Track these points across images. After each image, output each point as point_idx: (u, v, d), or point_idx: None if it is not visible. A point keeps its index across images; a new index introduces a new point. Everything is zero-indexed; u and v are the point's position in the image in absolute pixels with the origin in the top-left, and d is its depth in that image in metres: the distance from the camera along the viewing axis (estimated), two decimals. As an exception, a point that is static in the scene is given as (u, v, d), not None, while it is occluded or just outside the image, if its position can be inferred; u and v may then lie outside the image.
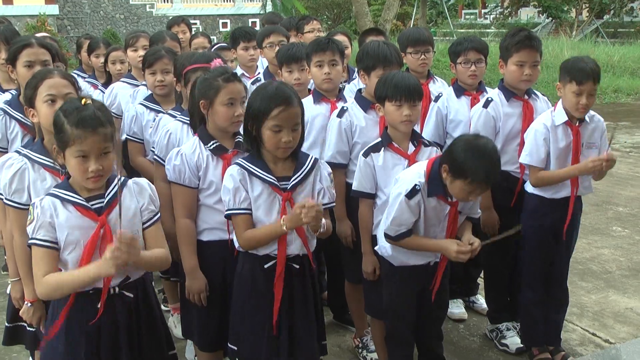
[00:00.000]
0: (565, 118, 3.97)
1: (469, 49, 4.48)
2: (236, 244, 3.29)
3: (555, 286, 4.23)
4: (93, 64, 6.28)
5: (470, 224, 3.63)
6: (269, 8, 33.29)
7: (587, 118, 4.02)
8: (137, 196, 2.91)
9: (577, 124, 3.99)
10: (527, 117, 4.20)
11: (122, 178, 2.86)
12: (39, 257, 2.73)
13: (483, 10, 41.59)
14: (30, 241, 2.75)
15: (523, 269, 4.26)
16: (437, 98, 4.59)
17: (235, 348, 3.35)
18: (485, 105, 4.20)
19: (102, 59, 6.04)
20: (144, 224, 2.91)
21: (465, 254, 3.36)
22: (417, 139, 3.75)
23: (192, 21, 8.73)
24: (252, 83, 4.85)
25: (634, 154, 10.52)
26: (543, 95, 4.46)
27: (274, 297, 3.23)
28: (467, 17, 42.65)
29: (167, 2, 36.82)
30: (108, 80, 5.79)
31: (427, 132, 4.51)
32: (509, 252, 4.38)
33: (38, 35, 4.68)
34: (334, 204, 3.45)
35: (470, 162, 3.20)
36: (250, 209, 3.20)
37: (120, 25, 32.50)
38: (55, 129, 2.75)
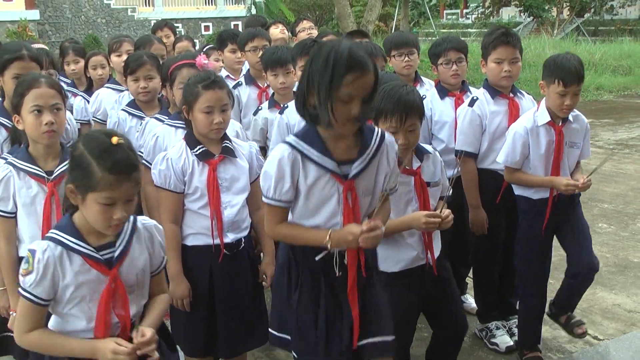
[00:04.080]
0: (548, 118, 3.95)
1: (449, 49, 4.48)
2: (266, 231, 2.96)
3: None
4: (66, 72, 6.14)
5: (443, 202, 3.39)
6: (254, 11, 33.25)
7: (570, 117, 4.01)
8: (147, 242, 2.67)
9: (560, 124, 3.98)
10: (513, 114, 4.21)
11: (131, 219, 2.63)
12: (27, 312, 2.48)
13: (465, 10, 41.72)
14: (22, 293, 2.47)
15: (522, 274, 4.24)
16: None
17: (289, 338, 3.01)
18: (471, 104, 4.21)
19: (72, 66, 5.98)
20: (152, 272, 2.72)
21: (434, 221, 3.22)
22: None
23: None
24: (234, 87, 4.84)
25: (618, 150, 10.57)
26: (528, 94, 4.48)
27: (321, 291, 2.87)
28: (449, 17, 42.80)
29: (149, 5, 36.65)
30: (89, 86, 5.74)
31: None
32: (497, 251, 4.39)
33: (35, 45, 4.62)
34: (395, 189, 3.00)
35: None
36: (291, 201, 2.79)
37: (101, 29, 32.35)
38: (78, 168, 2.44)
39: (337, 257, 2.83)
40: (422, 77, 4.99)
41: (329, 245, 2.71)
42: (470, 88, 4.67)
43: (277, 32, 6.24)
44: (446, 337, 3.68)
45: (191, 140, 3.43)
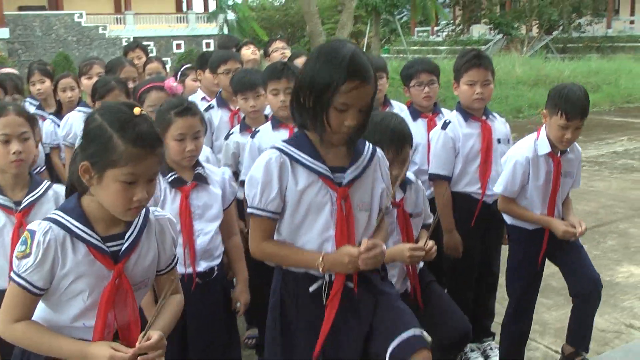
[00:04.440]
0: (549, 149, 3.92)
1: (420, 71, 4.49)
2: (250, 249, 2.74)
3: None
4: (32, 92, 6.03)
5: (426, 231, 3.42)
6: (227, 30, 33.28)
7: (568, 148, 3.99)
8: (158, 237, 2.45)
9: (558, 154, 3.96)
10: (486, 137, 4.21)
11: (144, 211, 2.40)
12: (17, 300, 2.22)
13: (435, 28, 42.14)
14: (15, 278, 2.21)
15: (515, 300, 4.21)
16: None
17: None
18: (444, 127, 4.21)
19: (38, 86, 5.89)
20: (160, 271, 2.50)
21: (419, 255, 3.21)
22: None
23: (145, 43, 8.68)
24: (205, 110, 4.81)
25: (588, 168, 10.67)
26: (501, 115, 4.50)
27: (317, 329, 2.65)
28: (420, 34, 43.20)
29: (120, 23, 36.60)
30: (59, 109, 5.65)
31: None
32: (472, 274, 4.38)
33: (3, 70, 4.53)
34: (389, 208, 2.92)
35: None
36: (279, 213, 2.60)
37: (72, 47, 32.20)
38: (96, 142, 2.20)
39: (326, 285, 2.64)
40: (391, 100, 4.97)
41: (320, 269, 2.54)
42: (443, 109, 4.68)
43: (248, 53, 6.23)
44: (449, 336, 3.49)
45: (163, 167, 3.39)
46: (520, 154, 3.96)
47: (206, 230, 3.40)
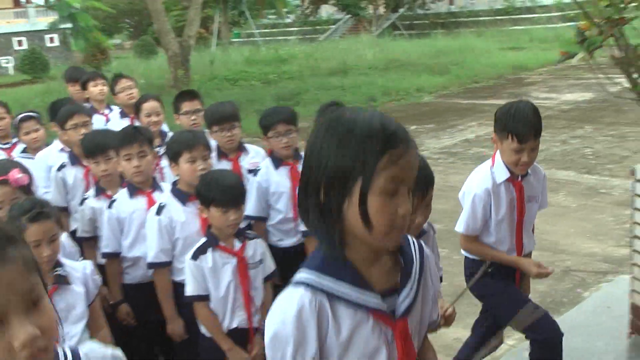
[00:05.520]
0: (507, 174, 3.63)
1: (277, 122, 4.38)
2: None
3: None
4: None
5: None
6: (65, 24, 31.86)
7: (528, 170, 3.71)
8: None
9: (519, 179, 3.69)
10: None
11: None
12: None
13: (285, 10, 42.20)
14: None
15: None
16: (255, 171, 4.51)
17: None
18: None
19: None
20: None
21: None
22: (242, 234, 3.66)
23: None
24: (58, 170, 4.58)
25: (443, 160, 10.84)
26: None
27: None
28: (270, 17, 43.14)
29: (-48, 22, 34.37)
30: None
31: (250, 208, 4.41)
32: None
33: None
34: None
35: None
36: None
37: None
38: None
39: None
40: (247, 145, 4.87)
41: None
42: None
43: (96, 90, 5.98)
44: None
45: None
46: (477, 187, 3.65)
47: (72, 333, 3.22)
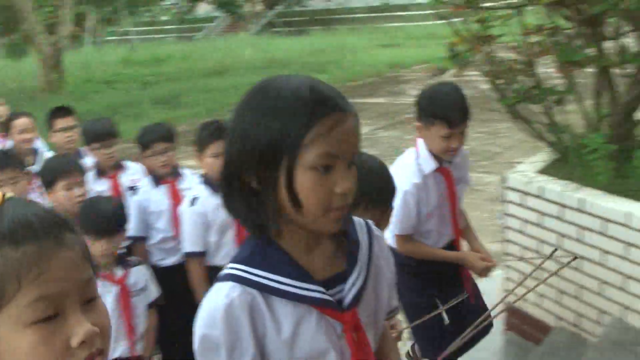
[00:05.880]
0: (435, 164, 3.41)
1: (154, 141, 4.29)
2: None
3: None
4: None
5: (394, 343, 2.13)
6: None
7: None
8: None
9: (446, 165, 3.49)
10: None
11: None
12: None
13: (162, 4, 41.49)
14: None
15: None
16: (134, 189, 4.44)
17: None
18: (192, 203, 4.00)
19: None
20: None
21: None
22: (124, 261, 3.60)
23: None
24: None
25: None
26: None
27: None
28: (147, 14, 42.29)
29: None
30: None
31: (131, 228, 4.35)
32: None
33: None
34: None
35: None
36: None
37: None
38: None
39: None
40: (126, 162, 4.79)
41: None
42: (185, 171, 4.57)
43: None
44: None
45: None
46: (405, 182, 3.32)
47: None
